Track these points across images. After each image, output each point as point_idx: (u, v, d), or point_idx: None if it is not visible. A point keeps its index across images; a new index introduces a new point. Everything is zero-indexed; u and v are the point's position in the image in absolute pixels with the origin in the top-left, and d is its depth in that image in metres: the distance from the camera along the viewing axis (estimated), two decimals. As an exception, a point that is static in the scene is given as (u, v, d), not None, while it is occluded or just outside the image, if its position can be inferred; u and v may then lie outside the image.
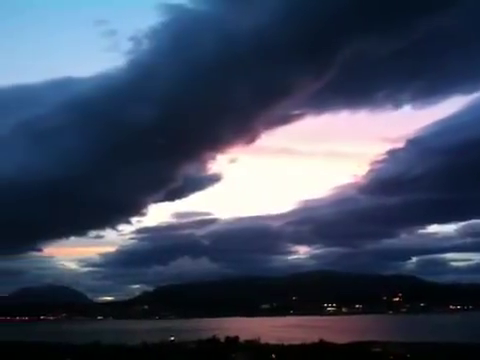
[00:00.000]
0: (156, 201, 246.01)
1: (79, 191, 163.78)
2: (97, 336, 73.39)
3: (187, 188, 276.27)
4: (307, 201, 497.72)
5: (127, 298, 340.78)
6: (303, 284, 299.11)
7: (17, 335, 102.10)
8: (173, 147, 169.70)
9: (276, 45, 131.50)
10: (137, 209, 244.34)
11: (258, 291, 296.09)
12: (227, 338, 58.43)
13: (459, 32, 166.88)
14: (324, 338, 57.05)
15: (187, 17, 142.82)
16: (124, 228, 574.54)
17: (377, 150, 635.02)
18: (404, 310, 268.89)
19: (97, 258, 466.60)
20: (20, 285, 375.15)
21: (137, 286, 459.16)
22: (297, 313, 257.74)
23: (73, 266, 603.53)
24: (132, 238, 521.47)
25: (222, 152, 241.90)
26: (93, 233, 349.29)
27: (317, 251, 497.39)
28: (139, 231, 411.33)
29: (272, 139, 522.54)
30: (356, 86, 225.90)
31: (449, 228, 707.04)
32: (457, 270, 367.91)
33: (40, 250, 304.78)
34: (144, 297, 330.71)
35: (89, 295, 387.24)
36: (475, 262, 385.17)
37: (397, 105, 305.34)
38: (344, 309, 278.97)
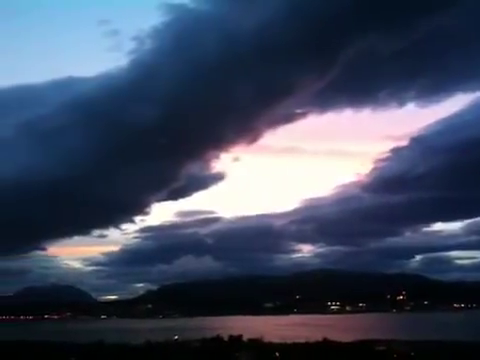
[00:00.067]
0: (159, 200, 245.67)
1: (82, 190, 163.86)
2: (101, 335, 73.45)
3: (190, 187, 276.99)
4: (310, 200, 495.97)
5: (131, 297, 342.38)
6: (307, 283, 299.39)
7: (21, 334, 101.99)
8: (176, 146, 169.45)
9: (279, 44, 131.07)
10: (140, 208, 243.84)
11: (262, 290, 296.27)
12: (231, 337, 58.14)
13: (460, 32, 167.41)
14: (328, 337, 56.67)
15: (189, 17, 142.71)
16: (128, 227, 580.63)
17: (381, 148, 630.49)
18: (408, 308, 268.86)
19: (101, 257, 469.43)
20: (24, 284, 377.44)
21: (141, 285, 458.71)
22: (301, 312, 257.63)
23: (77, 265, 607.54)
24: (136, 237, 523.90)
25: (225, 151, 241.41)
26: (97, 232, 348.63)
27: (321, 250, 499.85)
28: (143, 230, 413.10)
29: (275, 138, 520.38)
30: (359, 85, 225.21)
31: (454, 226, 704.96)
32: (462, 268, 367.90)
33: (44, 249, 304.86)
34: (148, 296, 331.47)
35: (93, 294, 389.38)
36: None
37: (401, 103, 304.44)
38: (348, 308, 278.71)
